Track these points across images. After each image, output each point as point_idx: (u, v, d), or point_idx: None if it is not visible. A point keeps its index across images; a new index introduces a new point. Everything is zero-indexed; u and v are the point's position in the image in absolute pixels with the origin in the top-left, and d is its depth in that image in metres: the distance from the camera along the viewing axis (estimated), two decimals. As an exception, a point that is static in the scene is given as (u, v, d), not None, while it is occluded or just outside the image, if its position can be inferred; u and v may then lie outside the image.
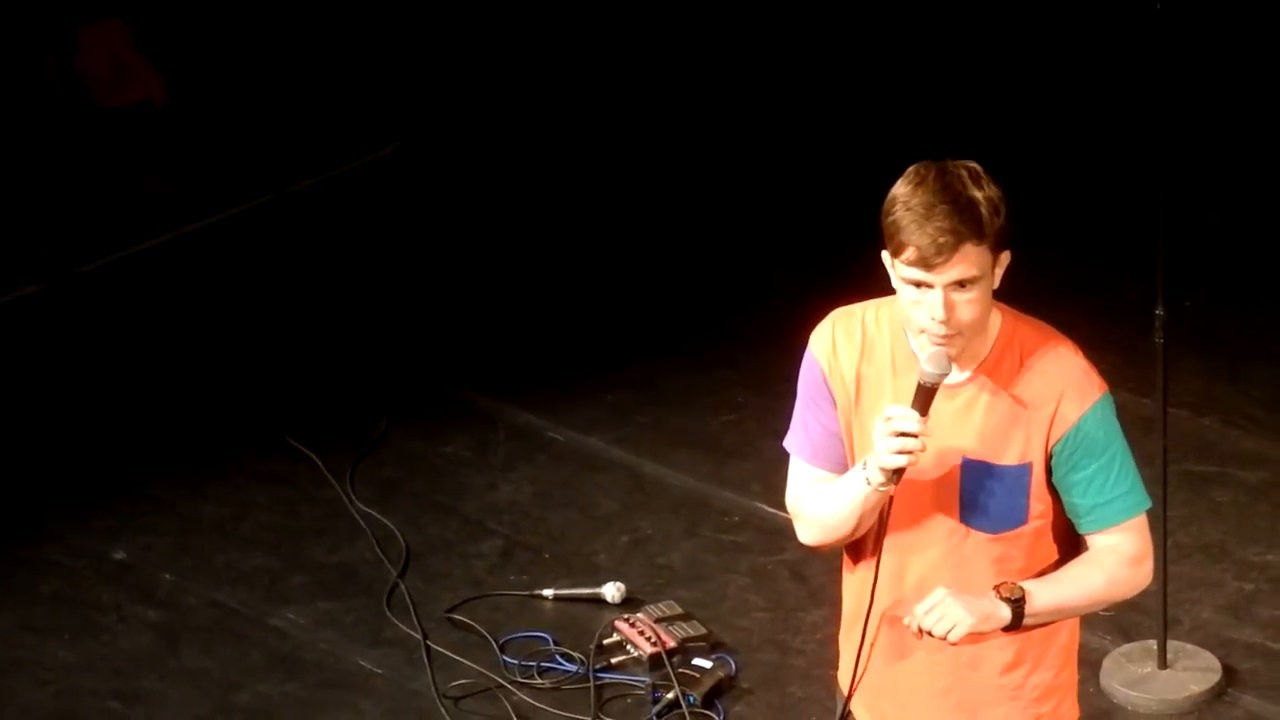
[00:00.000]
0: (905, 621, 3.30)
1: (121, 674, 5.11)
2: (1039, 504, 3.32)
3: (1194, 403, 5.77)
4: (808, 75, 7.62)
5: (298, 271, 6.76)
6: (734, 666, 5.02)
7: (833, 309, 3.46)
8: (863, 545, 3.42)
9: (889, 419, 3.21)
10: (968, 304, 3.22)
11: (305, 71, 7.79)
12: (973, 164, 3.28)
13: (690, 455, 5.76)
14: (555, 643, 5.12)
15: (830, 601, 5.16)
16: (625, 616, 5.13)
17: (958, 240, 3.18)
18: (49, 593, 5.39)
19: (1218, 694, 4.87)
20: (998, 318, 3.31)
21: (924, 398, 3.23)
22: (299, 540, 5.54)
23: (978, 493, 3.29)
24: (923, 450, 3.21)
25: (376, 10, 8.07)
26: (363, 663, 5.11)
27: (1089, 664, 4.95)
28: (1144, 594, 5.01)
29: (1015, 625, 3.29)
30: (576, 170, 7.24)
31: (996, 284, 3.26)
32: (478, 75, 7.79)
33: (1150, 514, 5.04)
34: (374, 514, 5.60)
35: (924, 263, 3.19)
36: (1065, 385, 3.27)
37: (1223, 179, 6.85)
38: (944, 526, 3.32)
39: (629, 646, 5.06)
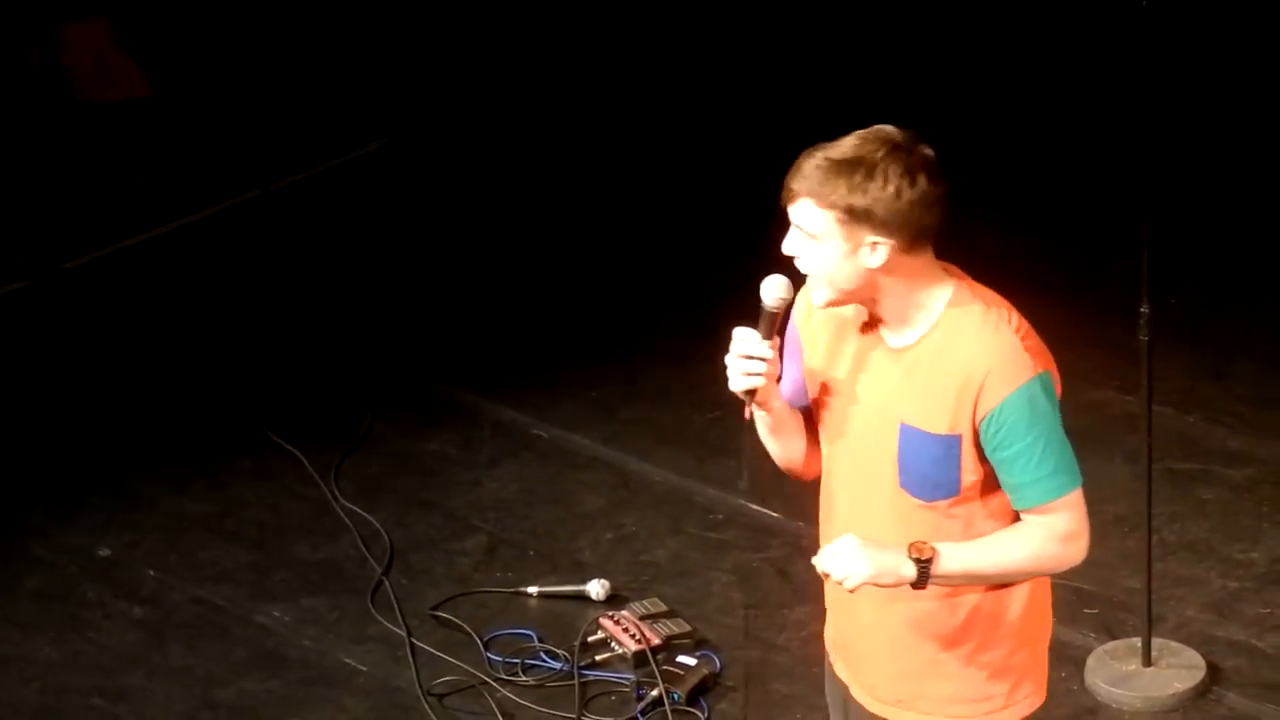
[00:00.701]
0: (813, 561, 3.36)
1: (106, 670, 5.10)
2: (972, 476, 3.34)
3: (1179, 400, 5.78)
4: (792, 73, 7.62)
5: (283, 268, 6.75)
6: (718, 664, 5.02)
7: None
8: (823, 501, 3.52)
9: (734, 341, 3.34)
10: (810, 255, 3.31)
11: (290, 68, 7.77)
12: (922, 151, 3.32)
13: (675, 452, 5.76)
14: (540, 640, 5.11)
15: (814, 599, 5.15)
16: (610, 614, 5.13)
17: (797, 193, 3.30)
18: (33, 589, 5.38)
19: (1202, 692, 4.88)
20: (947, 289, 3.35)
21: (766, 321, 3.34)
22: (283, 537, 5.53)
23: (912, 459, 3.35)
24: (768, 373, 3.33)
25: (362, 7, 8.06)
26: (347, 660, 5.11)
27: (1073, 661, 4.96)
28: (1129, 592, 5.12)
29: (921, 584, 3.31)
30: (562, 167, 7.24)
31: (872, 262, 3.28)
32: (463, 72, 7.78)
33: (1135, 512, 5.09)
34: (358, 511, 5.60)
35: (783, 193, 3.33)
36: (994, 363, 3.30)
37: (1206, 176, 6.86)
38: (886, 490, 3.39)
39: (613, 644, 5.06)
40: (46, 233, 6.96)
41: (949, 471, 3.33)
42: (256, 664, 5.09)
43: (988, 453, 3.33)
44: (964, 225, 7.17)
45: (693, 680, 4.95)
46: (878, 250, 3.29)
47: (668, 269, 6.61)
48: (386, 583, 5.33)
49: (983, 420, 3.30)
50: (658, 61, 7.74)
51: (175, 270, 6.78)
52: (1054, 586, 5.16)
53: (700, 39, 7.84)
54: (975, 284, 3.40)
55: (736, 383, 3.35)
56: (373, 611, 5.23)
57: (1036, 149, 7.14)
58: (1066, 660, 4.98)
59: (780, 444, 3.48)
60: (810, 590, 5.19)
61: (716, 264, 6.57)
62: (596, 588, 5.23)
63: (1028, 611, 3.45)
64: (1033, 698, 3.51)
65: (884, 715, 3.54)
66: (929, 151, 3.33)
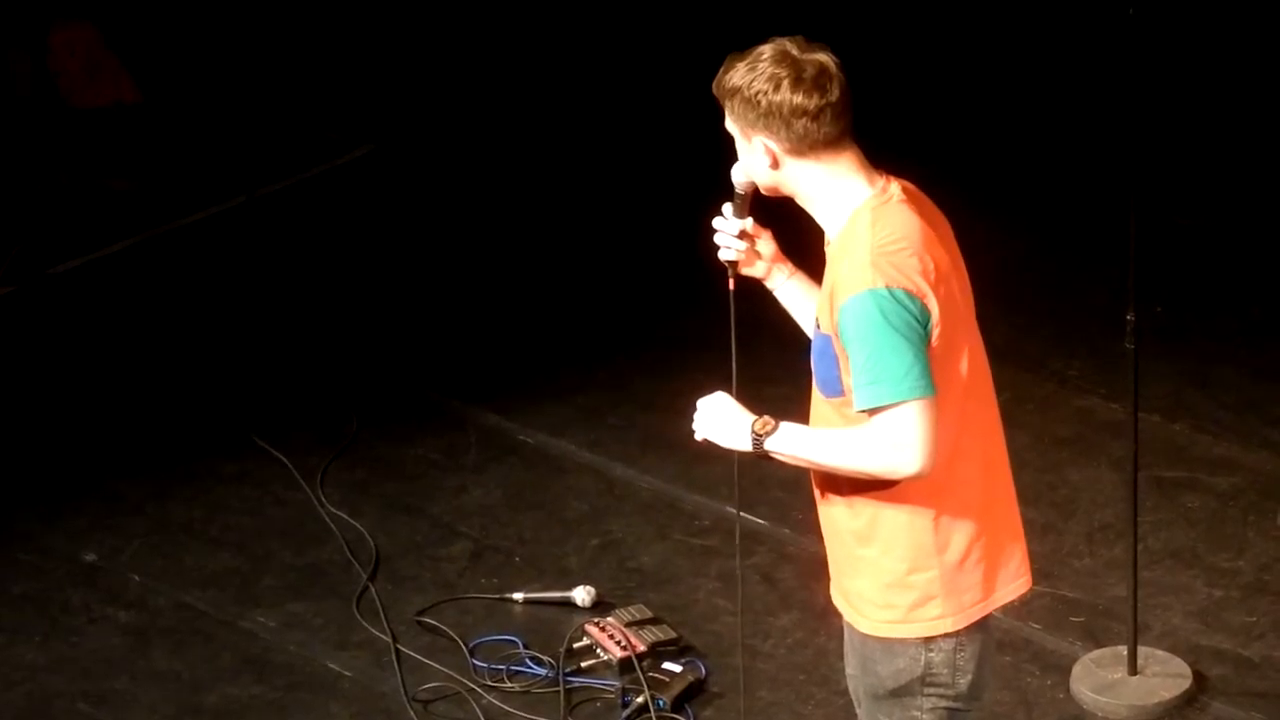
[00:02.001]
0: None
1: (90, 675, 5.09)
2: (849, 377, 3.46)
3: (1165, 408, 5.79)
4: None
5: (269, 274, 6.74)
6: (704, 670, 5.02)
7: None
8: None
9: (719, 217, 3.65)
10: (740, 155, 3.55)
11: (277, 74, 7.77)
12: (801, 61, 3.46)
13: (661, 458, 5.76)
14: (525, 646, 5.11)
15: (800, 605, 5.17)
16: (595, 620, 5.13)
17: (715, 96, 3.53)
18: (18, 593, 5.37)
19: (1188, 700, 4.88)
20: (860, 197, 3.48)
21: (735, 201, 3.66)
22: (268, 542, 5.53)
23: (814, 353, 3.54)
24: (741, 250, 3.66)
25: (349, 13, 8.05)
26: (332, 665, 5.10)
27: (1059, 669, 4.96)
28: (1114, 600, 5.12)
29: (759, 454, 3.51)
30: (548, 173, 7.24)
31: (764, 162, 3.49)
32: (450, 78, 7.78)
33: (1121, 519, 5.10)
34: (344, 516, 5.59)
35: None
36: (844, 271, 3.44)
37: (1191, 184, 6.87)
38: (816, 390, 3.58)
39: (599, 650, 5.06)
40: (33, 237, 6.95)
41: (829, 369, 3.49)
42: (241, 669, 5.09)
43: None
44: (955, 231, 7.14)
45: (678, 687, 4.95)
46: (767, 154, 3.49)
47: (654, 275, 6.61)
48: (372, 588, 5.32)
49: (836, 325, 3.45)
50: (644, 67, 7.74)
51: (162, 275, 6.77)
52: (1039, 593, 5.21)
53: (689, 45, 7.84)
54: (892, 203, 3.48)
55: (720, 253, 3.67)
56: (358, 617, 5.22)
57: (1022, 157, 7.14)
58: (1052, 668, 4.98)
59: (802, 321, 3.70)
60: (796, 598, 5.20)
61: (703, 270, 6.57)
62: (582, 594, 5.23)
63: (932, 533, 3.51)
64: (940, 621, 3.55)
65: (838, 606, 3.70)
66: (820, 57, 3.45)
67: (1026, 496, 5.54)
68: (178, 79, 7.70)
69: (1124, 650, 4.90)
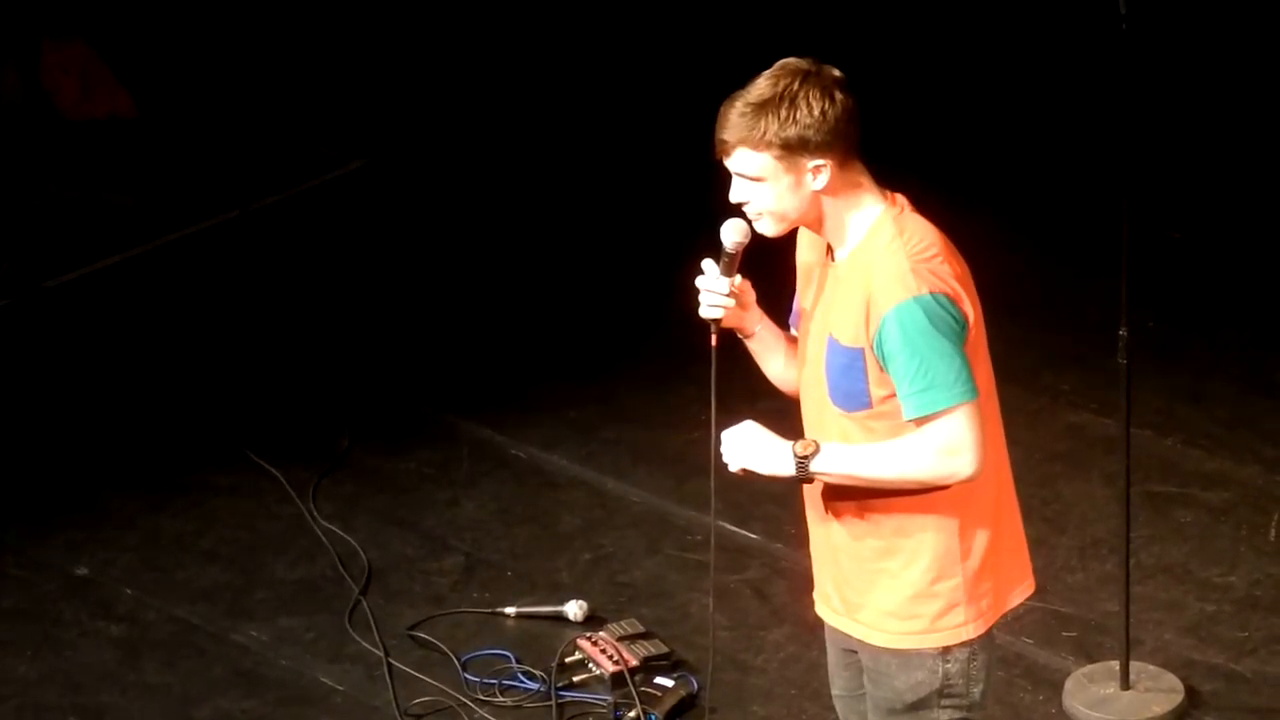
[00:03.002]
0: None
1: (82, 688, 5.08)
2: (880, 389, 3.48)
3: (1157, 423, 5.79)
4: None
5: (261, 288, 6.74)
6: (696, 685, 5.01)
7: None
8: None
9: (702, 274, 3.61)
10: (760, 196, 3.50)
11: (270, 88, 7.78)
12: (830, 72, 3.49)
13: (652, 473, 5.76)
14: (517, 661, 5.11)
15: (792, 620, 5.17)
16: (587, 635, 5.12)
17: (730, 143, 3.47)
18: (10, 607, 5.36)
19: (1180, 716, 4.87)
20: (876, 209, 3.50)
21: (724, 261, 3.61)
22: (261, 556, 5.52)
23: (832, 369, 3.52)
24: (728, 308, 3.60)
25: (342, 28, 8.06)
26: (324, 679, 5.09)
27: (1051, 684, 4.96)
28: (1107, 615, 5.12)
29: (804, 478, 3.49)
30: (540, 188, 7.25)
31: (816, 185, 3.48)
32: (442, 93, 7.79)
33: (1113, 534, 5.10)
34: (336, 530, 5.59)
35: (716, 149, 3.50)
36: (881, 281, 3.45)
37: (1183, 198, 6.88)
38: (823, 401, 3.56)
39: (591, 665, 5.05)
40: (27, 251, 6.95)
41: (856, 382, 3.48)
42: (233, 683, 5.08)
43: (885, 366, 3.46)
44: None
45: (670, 702, 4.95)
46: (820, 173, 3.47)
47: (646, 290, 6.61)
48: (364, 602, 5.32)
49: (873, 336, 3.45)
50: (635, 83, 7.75)
51: (155, 289, 6.77)
52: (1031, 608, 5.21)
53: (680, 60, 7.85)
54: (906, 213, 3.52)
55: (702, 310, 3.63)
56: (350, 631, 5.22)
57: (1015, 171, 7.15)
58: (1044, 683, 4.98)
59: (768, 366, 3.70)
60: (789, 612, 5.20)
61: (694, 286, 6.57)
62: (574, 608, 5.23)
63: (957, 540, 3.53)
64: (962, 629, 3.58)
65: (840, 626, 3.67)
66: (836, 71, 3.50)
67: (1019, 511, 5.60)
68: (172, 94, 7.71)
69: (1116, 665, 4.90)
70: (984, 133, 7.35)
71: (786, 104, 3.43)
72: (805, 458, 3.48)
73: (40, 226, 7.10)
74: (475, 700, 4.98)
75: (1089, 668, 4.97)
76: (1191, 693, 4.92)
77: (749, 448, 3.53)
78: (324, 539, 5.56)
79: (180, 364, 6.34)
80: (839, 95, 3.45)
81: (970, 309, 3.48)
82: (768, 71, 3.49)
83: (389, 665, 5.10)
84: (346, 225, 7.13)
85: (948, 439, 3.43)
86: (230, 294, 6.71)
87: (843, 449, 3.49)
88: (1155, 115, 6.61)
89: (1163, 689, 4.90)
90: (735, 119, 3.46)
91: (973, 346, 3.49)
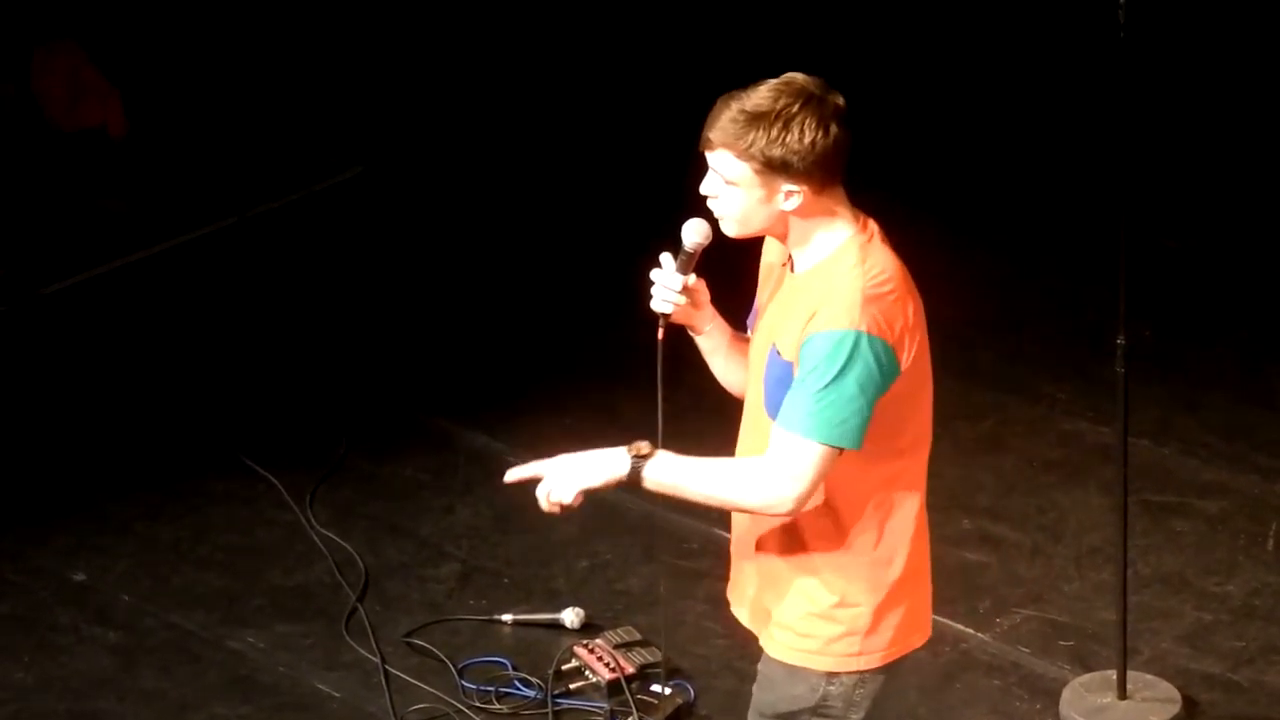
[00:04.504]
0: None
1: (78, 694, 5.08)
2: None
3: (1153, 432, 5.79)
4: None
5: (259, 294, 6.74)
6: (692, 693, 5.01)
7: None
8: None
9: (657, 268, 3.59)
10: (730, 199, 3.47)
11: (268, 94, 7.78)
12: (834, 100, 3.44)
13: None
14: (514, 668, 5.10)
15: (789, 628, 5.17)
16: (584, 642, 5.12)
17: (715, 143, 3.43)
18: (6, 613, 5.36)
19: (1176, 725, 4.88)
20: (846, 232, 3.47)
21: (682, 259, 3.59)
22: (257, 562, 5.52)
23: (770, 379, 3.49)
24: (678, 304, 3.58)
25: (340, 34, 8.07)
26: (320, 686, 5.09)
27: (1047, 694, 4.96)
28: (1103, 624, 5.11)
29: (635, 481, 3.45)
30: (538, 194, 7.25)
31: (787, 206, 3.44)
32: (439, 99, 7.79)
33: (1110, 543, 5.10)
34: (333, 537, 5.59)
35: (701, 141, 3.46)
36: (831, 304, 3.41)
37: (1179, 207, 6.88)
38: (758, 402, 3.54)
39: (587, 672, 5.05)
40: (23, 257, 6.95)
41: (780, 394, 3.44)
42: (229, 690, 5.08)
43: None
44: (938, 256, 7.18)
45: (666, 709, 4.95)
46: (792, 197, 3.44)
47: (642, 297, 6.60)
48: (360, 609, 5.31)
49: (800, 346, 3.41)
50: (629, 88, 7.75)
51: (152, 296, 6.77)
52: (1027, 617, 5.21)
53: (672, 65, 7.86)
54: (874, 241, 3.49)
55: (653, 303, 3.61)
56: (346, 638, 5.22)
57: (1011, 179, 7.16)
58: (1041, 693, 4.98)
59: (715, 365, 3.69)
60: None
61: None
62: (571, 616, 5.22)
63: (870, 571, 3.51)
64: (851, 659, 3.55)
65: (747, 625, 3.67)
66: (839, 99, 3.46)
67: (1015, 519, 5.60)
68: (168, 100, 7.70)
69: (1113, 675, 4.90)
70: (981, 141, 7.35)
71: (780, 124, 3.40)
72: (640, 458, 3.45)
73: (37, 233, 7.10)
74: (472, 707, 4.98)
75: (1085, 677, 4.97)
76: (1188, 702, 4.92)
77: (575, 468, 3.49)
78: (321, 545, 5.56)
79: (177, 370, 6.34)
80: (834, 128, 3.41)
81: (908, 356, 3.44)
82: (773, 81, 3.46)
83: (385, 672, 5.09)
84: (344, 232, 7.13)
85: (792, 465, 3.38)
86: (228, 300, 6.71)
87: (677, 458, 3.46)
88: (1151, 124, 6.61)
89: (1160, 698, 4.90)
90: (727, 121, 3.43)
91: (910, 387, 3.46)
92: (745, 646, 5.13)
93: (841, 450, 3.38)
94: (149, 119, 7.62)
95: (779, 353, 3.47)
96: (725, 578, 5.30)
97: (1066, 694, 4.94)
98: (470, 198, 7.27)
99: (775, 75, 3.48)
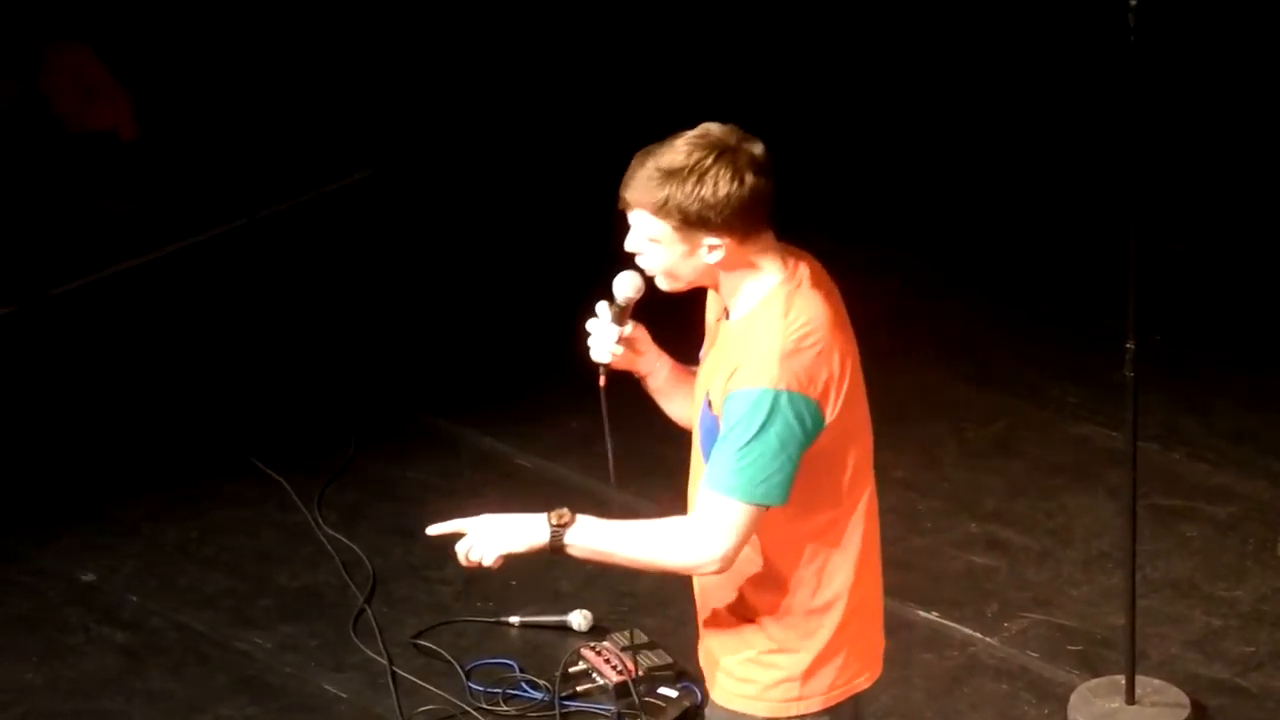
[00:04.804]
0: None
1: (86, 695, 5.08)
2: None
3: (1163, 436, 5.78)
4: (775, 119, 7.63)
5: (268, 296, 6.74)
6: (699, 696, 5.00)
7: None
8: None
9: (594, 318, 3.59)
10: (654, 256, 3.46)
11: (277, 96, 7.78)
12: (749, 149, 3.39)
13: (656, 483, 5.73)
14: (521, 670, 5.10)
15: (797, 631, 5.16)
16: (591, 644, 5.12)
17: (632, 203, 3.43)
18: (15, 613, 5.36)
19: (1185, 730, 4.87)
20: (774, 278, 3.42)
21: (615, 311, 3.60)
22: (265, 564, 5.52)
23: (703, 428, 3.48)
24: (613, 356, 3.60)
25: (349, 37, 8.07)
26: (327, 687, 5.09)
27: (1056, 698, 4.95)
28: (1112, 629, 5.11)
29: (558, 549, 3.42)
30: (545, 198, 7.25)
31: (710, 259, 3.41)
32: (448, 103, 7.79)
33: (1118, 548, 5.09)
34: (340, 538, 5.58)
35: (619, 200, 3.46)
36: (751, 360, 3.38)
37: (1186, 210, 6.87)
38: (699, 460, 3.52)
39: (595, 675, 5.05)
40: (33, 258, 6.95)
41: (712, 445, 3.41)
42: (237, 690, 5.08)
43: None
44: (948, 260, 7.18)
45: (674, 712, 4.94)
46: (715, 250, 3.41)
47: (650, 300, 6.60)
48: (368, 610, 5.31)
49: (722, 402, 3.39)
50: (643, 89, 7.75)
51: (161, 297, 6.77)
52: (1036, 621, 5.20)
53: (678, 65, 7.85)
54: (802, 288, 3.43)
55: (592, 354, 3.63)
56: (354, 639, 5.22)
57: (1020, 184, 7.15)
58: (1049, 697, 4.97)
59: (668, 407, 3.68)
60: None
61: (697, 296, 6.57)
62: (579, 618, 5.22)
63: (801, 621, 3.49)
64: (793, 704, 3.52)
65: (702, 664, 3.66)
66: (756, 149, 3.41)
67: (1023, 523, 5.60)
68: (178, 102, 7.71)
69: (1122, 679, 4.89)
70: (991, 145, 7.35)
71: (694, 179, 3.35)
72: (560, 527, 3.42)
73: (45, 234, 7.10)
74: (479, 709, 4.98)
75: (1094, 682, 4.96)
76: (1197, 707, 4.91)
77: (497, 531, 3.46)
78: (328, 547, 5.56)
79: (186, 372, 6.34)
80: (749, 178, 3.35)
81: (833, 408, 3.37)
82: (688, 134, 3.41)
83: (393, 673, 5.09)
84: (352, 234, 7.13)
85: (715, 523, 3.36)
86: (237, 302, 6.71)
87: (597, 522, 3.43)
88: (1159, 128, 6.60)
89: (1168, 703, 4.89)
90: (642, 180, 3.40)
91: (838, 437, 3.41)
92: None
93: (767, 507, 3.35)
94: (158, 121, 7.63)
95: (709, 405, 3.44)
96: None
97: (1074, 699, 4.93)
98: (478, 200, 7.27)
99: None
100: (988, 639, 5.15)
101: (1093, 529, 5.52)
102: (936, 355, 6.29)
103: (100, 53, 7.61)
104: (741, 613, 3.52)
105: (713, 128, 3.41)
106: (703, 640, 3.64)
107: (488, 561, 3.48)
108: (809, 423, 3.35)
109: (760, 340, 3.38)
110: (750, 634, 3.52)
